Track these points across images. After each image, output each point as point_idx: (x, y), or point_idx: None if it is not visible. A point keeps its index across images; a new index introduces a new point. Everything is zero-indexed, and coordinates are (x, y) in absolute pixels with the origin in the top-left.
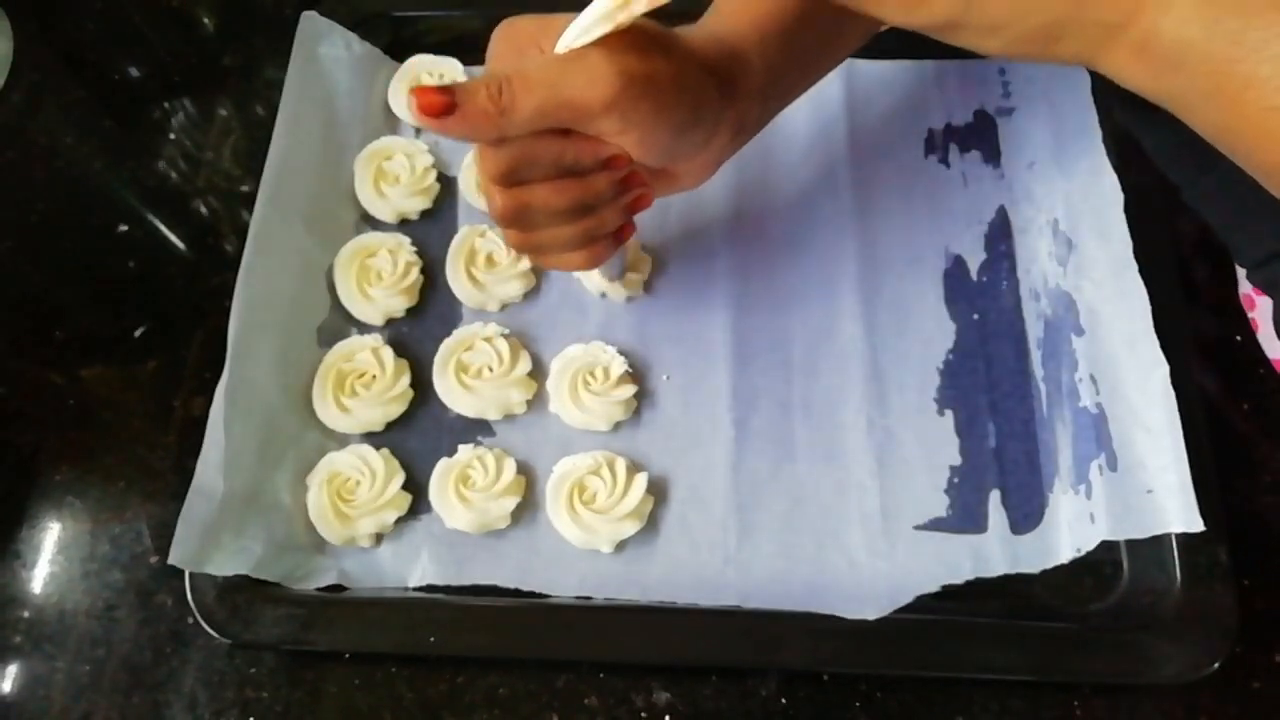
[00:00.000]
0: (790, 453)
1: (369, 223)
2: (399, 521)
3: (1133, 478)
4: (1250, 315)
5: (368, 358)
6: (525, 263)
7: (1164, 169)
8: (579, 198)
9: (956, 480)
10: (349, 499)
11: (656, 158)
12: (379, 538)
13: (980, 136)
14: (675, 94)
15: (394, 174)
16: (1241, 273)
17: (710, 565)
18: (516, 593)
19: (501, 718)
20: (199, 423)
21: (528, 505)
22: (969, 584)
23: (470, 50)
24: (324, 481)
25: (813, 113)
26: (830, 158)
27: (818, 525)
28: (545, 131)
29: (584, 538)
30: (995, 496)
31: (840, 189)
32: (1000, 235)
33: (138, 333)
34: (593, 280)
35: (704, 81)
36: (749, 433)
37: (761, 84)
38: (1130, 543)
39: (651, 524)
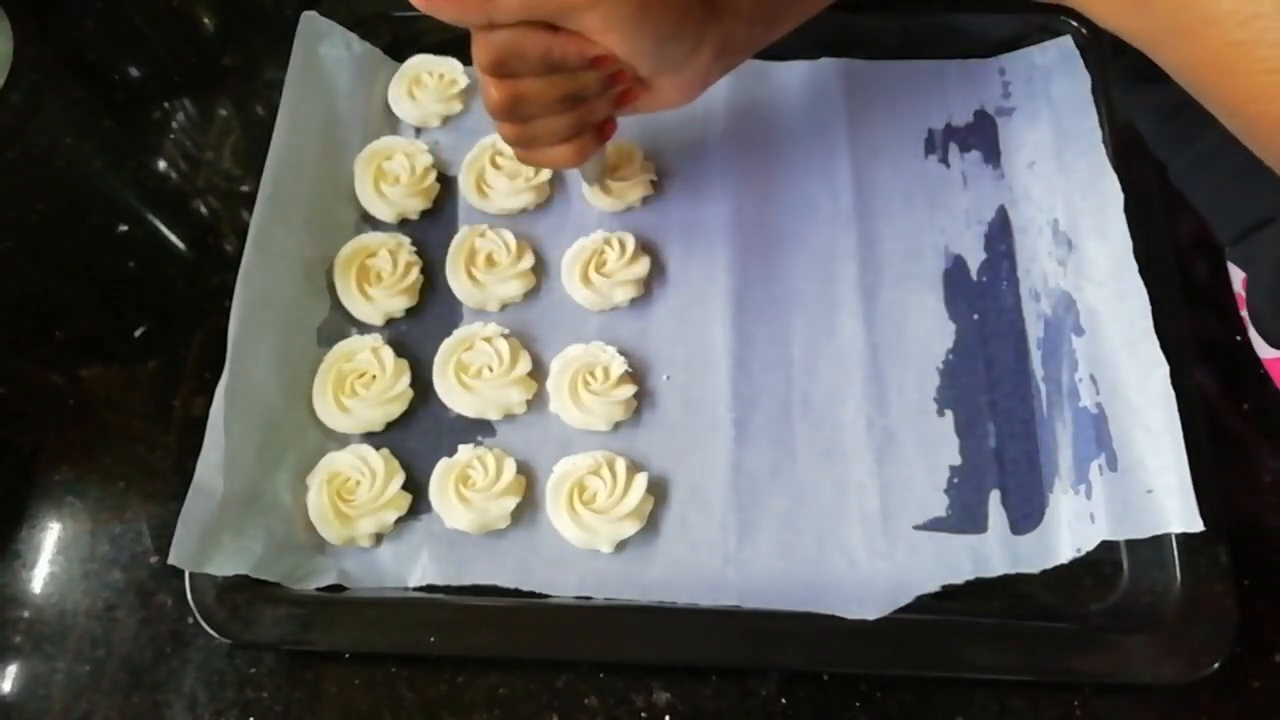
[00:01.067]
0: (790, 453)
1: (369, 223)
2: (399, 521)
3: (1133, 478)
4: (1243, 313)
5: (368, 358)
6: (525, 262)
7: (1153, 146)
8: (568, 90)
9: (956, 480)
10: (349, 499)
11: (639, 63)
12: (379, 538)
13: (980, 136)
14: (659, 1)
15: (394, 174)
16: (1233, 271)
17: (710, 565)
18: (516, 593)
19: (501, 718)
20: (199, 423)
21: (528, 505)
22: (969, 584)
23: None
24: (324, 481)
25: (813, 113)
26: (830, 158)
27: (818, 525)
28: (534, 26)
29: (584, 538)
30: (995, 496)
31: (840, 189)
32: (1000, 235)
33: (138, 333)
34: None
35: None
36: (749, 433)
37: (748, 6)
38: (1130, 543)
39: (651, 524)
